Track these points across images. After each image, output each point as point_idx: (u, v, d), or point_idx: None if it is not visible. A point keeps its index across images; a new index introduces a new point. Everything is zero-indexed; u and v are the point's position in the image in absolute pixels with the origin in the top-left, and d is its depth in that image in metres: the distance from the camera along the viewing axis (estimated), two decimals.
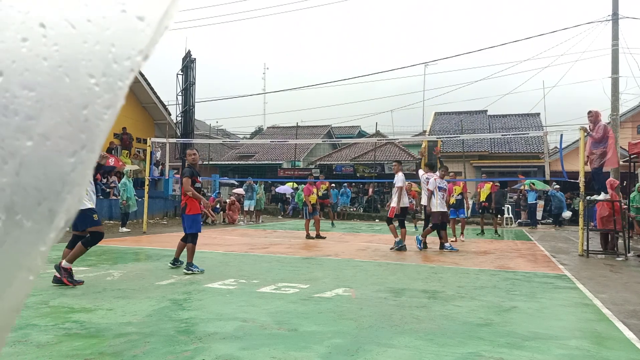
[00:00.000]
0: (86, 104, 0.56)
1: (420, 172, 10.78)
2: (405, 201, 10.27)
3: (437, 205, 10.12)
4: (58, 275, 5.57)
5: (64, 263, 5.62)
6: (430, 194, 10.15)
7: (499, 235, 14.74)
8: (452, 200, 12.12)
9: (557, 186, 19.38)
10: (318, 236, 12.26)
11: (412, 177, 17.73)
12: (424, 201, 10.50)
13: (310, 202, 12.38)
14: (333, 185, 22.87)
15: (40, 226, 0.54)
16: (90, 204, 5.79)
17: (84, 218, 5.70)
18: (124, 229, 13.45)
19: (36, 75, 0.55)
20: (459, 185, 12.44)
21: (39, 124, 0.55)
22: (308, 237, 12.27)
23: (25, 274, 0.54)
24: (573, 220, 18.56)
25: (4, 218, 0.52)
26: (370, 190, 25.94)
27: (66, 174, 0.55)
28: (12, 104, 0.54)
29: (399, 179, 10.05)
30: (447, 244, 10.20)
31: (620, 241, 10.30)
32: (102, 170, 8.84)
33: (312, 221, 12.40)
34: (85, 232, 5.82)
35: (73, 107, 0.56)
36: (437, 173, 10.53)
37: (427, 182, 10.22)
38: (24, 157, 0.54)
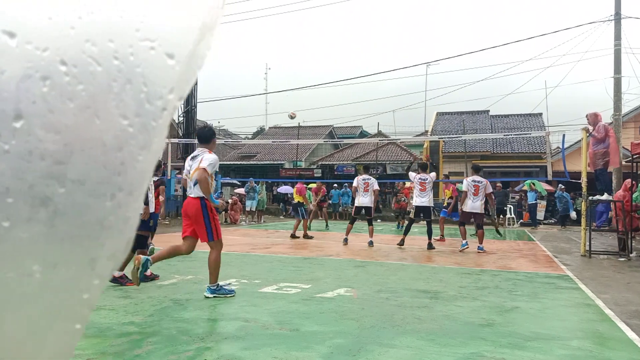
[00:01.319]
0: (121, 146, 0.54)
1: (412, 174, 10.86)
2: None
3: (416, 199, 10.42)
4: (116, 275, 5.62)
5: (116, 274, 5.50)
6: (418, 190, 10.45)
7: (501, 235, 14.71)
8: (445, 203, 12.22)
9: (563, 187, 19.30)
10: (305, 236, 12.30)
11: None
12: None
13: (306, 200, 12.51)
14: (335, 185, 22.86)
15: (81, 275, 0.52)
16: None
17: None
18: None
19: (61, 116, 0.52)
20: (449, 189, 12.47)
21: (69, 169, 0.51)
22: (306, 236, 12.30)
23: (70, 323, 0.52)
24: (576, 221, 18.53)
25: (41, 269, 0.50)
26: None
27: (104, 218, 0.53)
28: (37, 149, 0.50)
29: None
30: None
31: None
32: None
33: (301, 221, 12.48)
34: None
35: (107, 150, 0.53)
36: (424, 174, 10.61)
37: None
38: (57, 204, 0.50)
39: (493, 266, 8.03)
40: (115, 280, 5.67)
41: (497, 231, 14.86)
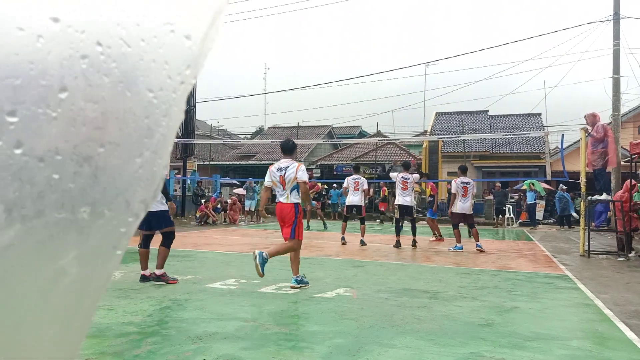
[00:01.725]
0: (147, 115, 0.66)
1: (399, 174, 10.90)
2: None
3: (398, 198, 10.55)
4: (157, 274, 5.87)
5: (158, 272, 5.88)
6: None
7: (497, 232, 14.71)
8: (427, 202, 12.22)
9: (565, 187, 19.24)
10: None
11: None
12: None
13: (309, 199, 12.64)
14: (335, 185, 22.85)
15: (119, 214, 0.66)
16: (164, 206, 6.01)
17: (163, 218, 5.99)
18: None
19: (98, 89, 0.62)
20: (428, 188, 12.44)
21: (106, 133, 0.64)
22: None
23: (112, 250, 0.67)
24: (575, 221, 18.54)
25: (89, 211, 0.63)
26: (372, 190, 25.94)
27: (135, 171, 0.66)
28: (79, 116, 0.61)
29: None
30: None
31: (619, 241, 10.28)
32: None
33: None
34: (152, 232, 6.08)
35: (136, 118, 0.66)
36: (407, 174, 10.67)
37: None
38: (98, 161, 0.63)
39: (492, 266, 8.04)
40: (158, 277, 5.81)
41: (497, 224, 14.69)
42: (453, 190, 10.29)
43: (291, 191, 5.79)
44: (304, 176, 5.79)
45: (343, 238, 11.13)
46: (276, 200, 6.11)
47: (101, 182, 0.63)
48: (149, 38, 0.65)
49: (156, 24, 0.66)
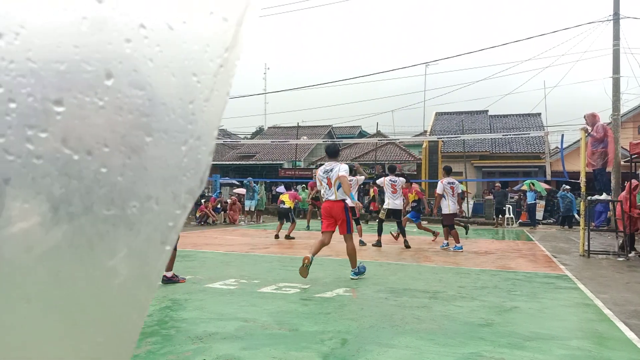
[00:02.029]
0: (192, 100, 0.64)
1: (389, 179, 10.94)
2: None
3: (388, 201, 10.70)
4: (167, 276, 5.84)
5: (167, 274, 5.84)
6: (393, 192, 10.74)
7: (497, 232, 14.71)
8: (408, 208, 12.19)
9: (568, 187, 19.12)
10: (287, 237, 12.36)
11: (413, 177, 17.87)
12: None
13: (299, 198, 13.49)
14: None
15: (167, 207, 0.63)
16: None
17: None
18: None
19: (145, 75, 0.60)
20: (412, 193, 12.45)
21: (153, 120, 0.61)
22: (288, 237, 12.37)
23: (161, 245, 0.64)
24: (576, 222, 18.50)
25: (138, 206, 0.60)
26: (372, 190, 25.94)
27: (181, 160, 0.63)
28: (125, 104, 0.58)
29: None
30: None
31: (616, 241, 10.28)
32: None
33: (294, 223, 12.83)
34: None
35: (182, 103, 0.63)
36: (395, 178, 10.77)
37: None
38: (147, 151, 0.60)
39: (492, 266, 8.04)
40: (169, 280, 5.79)
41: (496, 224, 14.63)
42: (439, 191, 10.41)
43: (337, 189, 6.37)
44: (342, 171, 6.32)
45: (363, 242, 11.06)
46: (323, 199, 6.64)
47: (150, 174, 0.61)
48: (190, 20, 0.63)
49: (196, 6, 0.64)
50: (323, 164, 6.62)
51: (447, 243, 10.30)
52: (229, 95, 0.69)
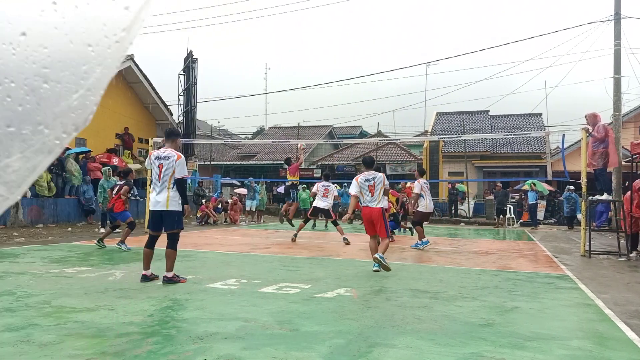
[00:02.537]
0: (85, 63, 0.86)
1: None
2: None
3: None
4: (168, 277, 5.84)
5: (168, 274, 5.85)
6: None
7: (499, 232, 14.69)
8: (392, 210, 12.47)
9: (572, 187, 18.96)
10: (289, 220, 12.68)
11: (412, 178, 17.80)
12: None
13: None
14: (335, 185, 22.83)
15: (54, 131, 0.87)
16: (180, 207, 5.98)
17: (177, 219, 5.96)
18: (103, 230, 13.00)
19: (50, 38, 0.82)
20: (395, 196, 12.64)
21: (51, 72, 0.84)
22: (289, 220, 12.73)
23: (48, 153, 0.89)
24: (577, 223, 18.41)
25: (31, 129, 0.84)
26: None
27: (72, 103, 0.87)
28: (32, 56, 0.82)
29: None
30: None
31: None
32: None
33: (292, 204, 12.98)
34: (159, 233, 6.06)
35: (76, 64, 0.86)
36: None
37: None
38: (42, 93, 0.84)
39: (493, 266, 8.04)
40: (170, 280, 5.79)
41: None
42: (417, 191, 10.63)
43: (380, 196, 7.14)
44: (386, 184, 7.24)
45: (295, 235, 11.56)
46: (362, 205, 7.24)
47: (42, 108, 0.85)
48: (94, 2, 0.85)
49: None
50: (362, 173, 7.32)
51: (427, 241, 10.52)
52: (122, 62, 0.93)
